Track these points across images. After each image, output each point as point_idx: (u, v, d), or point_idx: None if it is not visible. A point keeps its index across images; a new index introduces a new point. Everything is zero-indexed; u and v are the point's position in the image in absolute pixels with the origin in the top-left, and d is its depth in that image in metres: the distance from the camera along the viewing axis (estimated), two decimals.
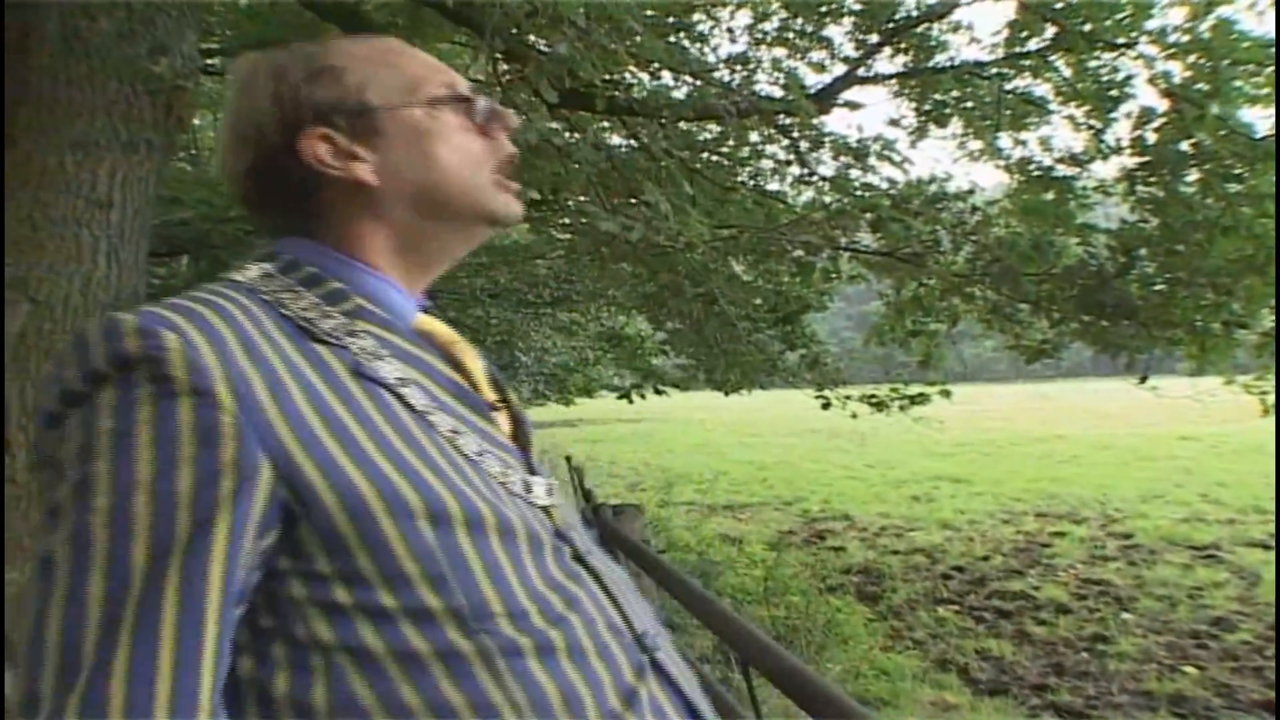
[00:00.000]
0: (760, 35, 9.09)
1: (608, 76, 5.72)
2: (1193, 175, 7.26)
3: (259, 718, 0.94)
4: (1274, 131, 6.65)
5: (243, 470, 0.89)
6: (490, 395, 1.19)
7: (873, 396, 9.74)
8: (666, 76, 7.91)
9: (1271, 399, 7.89)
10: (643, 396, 13.15)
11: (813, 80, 8.87)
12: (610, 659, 1.02)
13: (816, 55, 8.99)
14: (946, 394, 9.30)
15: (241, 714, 0.94)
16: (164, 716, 0.83)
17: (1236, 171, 6.91)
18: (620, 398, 13.44)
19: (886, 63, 9.14)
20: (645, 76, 7.57)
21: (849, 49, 8.94)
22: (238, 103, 1.17)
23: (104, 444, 0.88)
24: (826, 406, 9.68)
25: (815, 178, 9.12)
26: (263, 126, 1.14)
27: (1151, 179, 7.46)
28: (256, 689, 0.94)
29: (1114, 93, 8.03)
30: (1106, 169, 8.72)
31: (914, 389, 9.59)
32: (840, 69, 8.92)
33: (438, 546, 0.94)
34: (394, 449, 0.97)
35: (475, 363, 1.20)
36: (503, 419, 1.18)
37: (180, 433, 0.88)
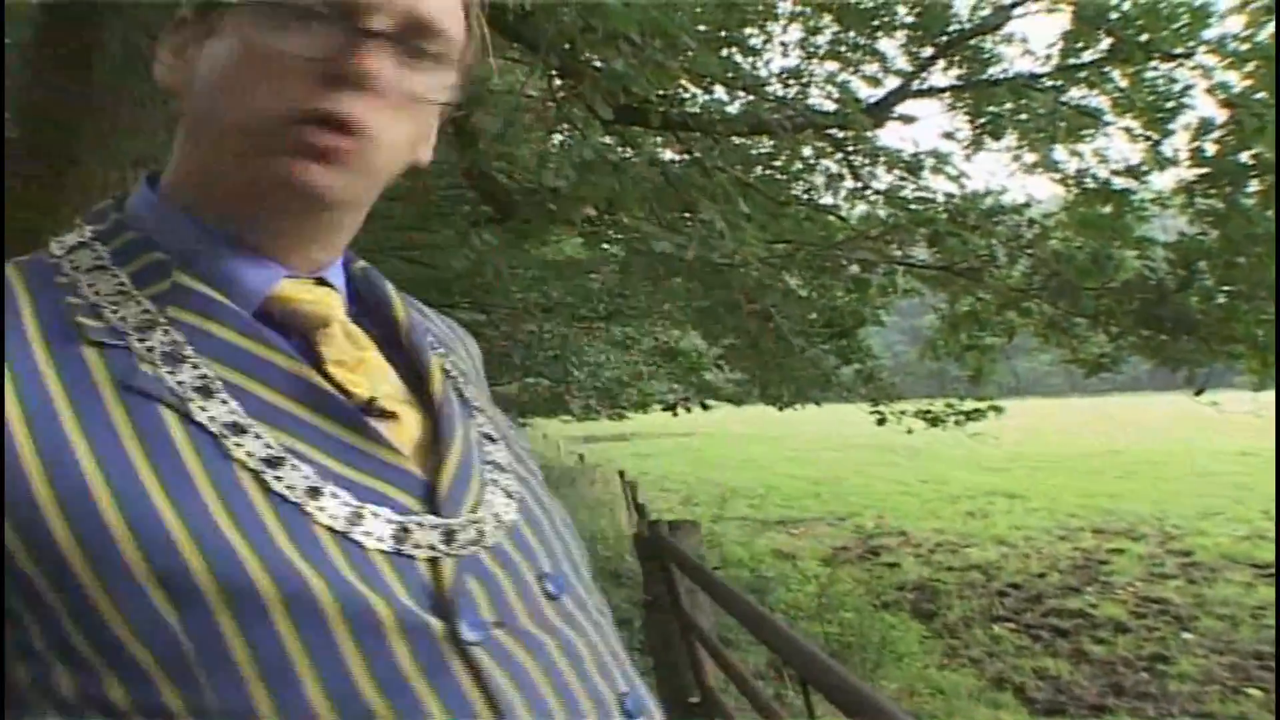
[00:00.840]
0: (813, 49, 9.08)
1: (662, 92, 5.73)
2: (1253, 186, 7.16)
3: None
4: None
5: None
6: (383, 391, 0.87)
7: (928, 412, 9.68)
8: (720, 91, 7.93)
9: None
10: (688, 410, 13.14)
11: (866, 94, 8.84)
12: None
13: (870, 69, 8.97)
14: (998, 409, 9.23)
15: None
16: None
17: None
18: (666, 410, 13.44)
19: (940, 75, 9.12)
20: (699, 91, 7.58)
21: (902, 62, 8.91)
22: None
23: None
24: (882, 422, 9.63)
25: (869, 192, 9.09)
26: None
27: (1211, 191, 7.36)
28: None
29: (1171, 104, 7.94)
30: (1164, 181, 8.63)
31: (969, 404, 9.51)
32: (894, 82, 8.89)
33: (182, 628, 0.68)
34: (131, 486, 0.70)
35: (352, 351, 0.88)
36: (400, 428, 0.85)
37: None
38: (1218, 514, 14.77)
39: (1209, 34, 7.27)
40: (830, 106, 8.37)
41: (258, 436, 0.75)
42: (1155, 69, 7.94)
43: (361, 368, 0.86)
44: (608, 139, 6.68)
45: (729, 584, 4.67)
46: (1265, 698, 6.71)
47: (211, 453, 0.73)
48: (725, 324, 9.45)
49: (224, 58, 0.81)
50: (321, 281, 0.88)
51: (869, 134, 7.78)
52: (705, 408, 13.25)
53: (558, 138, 7.10)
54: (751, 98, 7.56)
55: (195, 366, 0.77)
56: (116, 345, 0.76)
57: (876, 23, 8.61)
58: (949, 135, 9.52)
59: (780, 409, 11.82)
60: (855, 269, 7.87)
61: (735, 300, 7.87)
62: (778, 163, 9.17)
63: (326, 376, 0.82)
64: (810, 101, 8.77)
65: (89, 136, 3.12)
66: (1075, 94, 8.82)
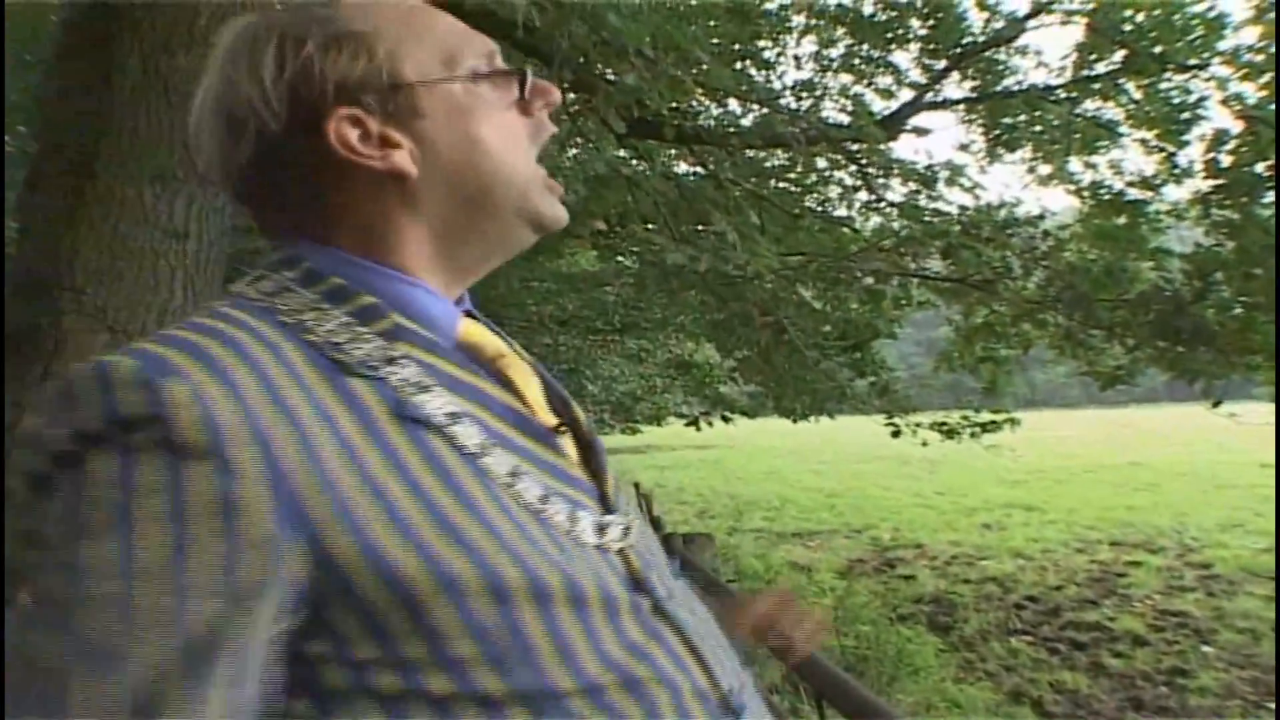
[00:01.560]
0: (826, 62, 9.11)
1: (675, 105, 5.75)
2: (1268, 197, 7.14)
3: None
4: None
5: (267, 550, 0.74)
6: (549, 417, 1.01)
7: (943, 424, 9.65)
8: (733, 105, 7.95)
9: None
10: (710, 424, 13.14)
11: (880, 106, 8.85)
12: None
13: (883, 81, 8.99)
14: (1014, 423, 9.20)
15: None
16: None
17: None
18: (688, 424, 13.43)
19: (954, 88, 9.13)
20: (712, 105, 7.60)
21: (916, 74, 8.93)
22: (227, 77, 0.94)
23: (100, 521, 0.72)
24: (896, 434, 9.60)
25: (883, 204, 9.10)
26: (266, 107, 0.91)
27: (1226, 202, 7.34)
28: None
29: (1186, 115, 7.93)
30: (1179, 192, 8.62)
31: (985, 416, 9.49)
32: (908, 95, 8.91)
33: (497, 625, 0.80)
34: (443, 513, 0.81)
35: (528, 378, 1.02)
36: (568, 444, 1.00)
37: (191, 508, 0.72)
38: (1237, 526, 14.67)
39: (1223, 45, 7.27)
40: (844, 119, 8.38)
41: (497, 457, 0.88)
42: (1169, 80, 7.93)
43: (534, 390, 1.02)
44: (622, 152, 6.70)
45: (744, 597, 4.67)
46: None
47: (477, 473, 0.85)
48: (739, 336, 9.46)
49: (491, 133, 0.97)
50: (469, 314, 1.03)
51: (883, 146, 7.78)
52: (726, 420, 13.24)
53: (572, 151, 7.13)
54: (765, 111, 7.57)
55: (439, 396, 0.87)
56: (375, 378, 0.85)
57: (890, 35, 8.63)
58: (963, 147, 9.53)
59: (795, 421, 11.79)
60: (869, 281, 7.87)
61: (749, 313, 7.88)
62: (792, 175, 9.18)
63: (519, 397, 0.97)
64: (824, 114, 8.78)
65: (107, 154, 3.15)
66: (1090, 106, 8.82)
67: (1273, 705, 6.79)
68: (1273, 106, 6.79)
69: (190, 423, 0.73)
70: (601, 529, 0.93)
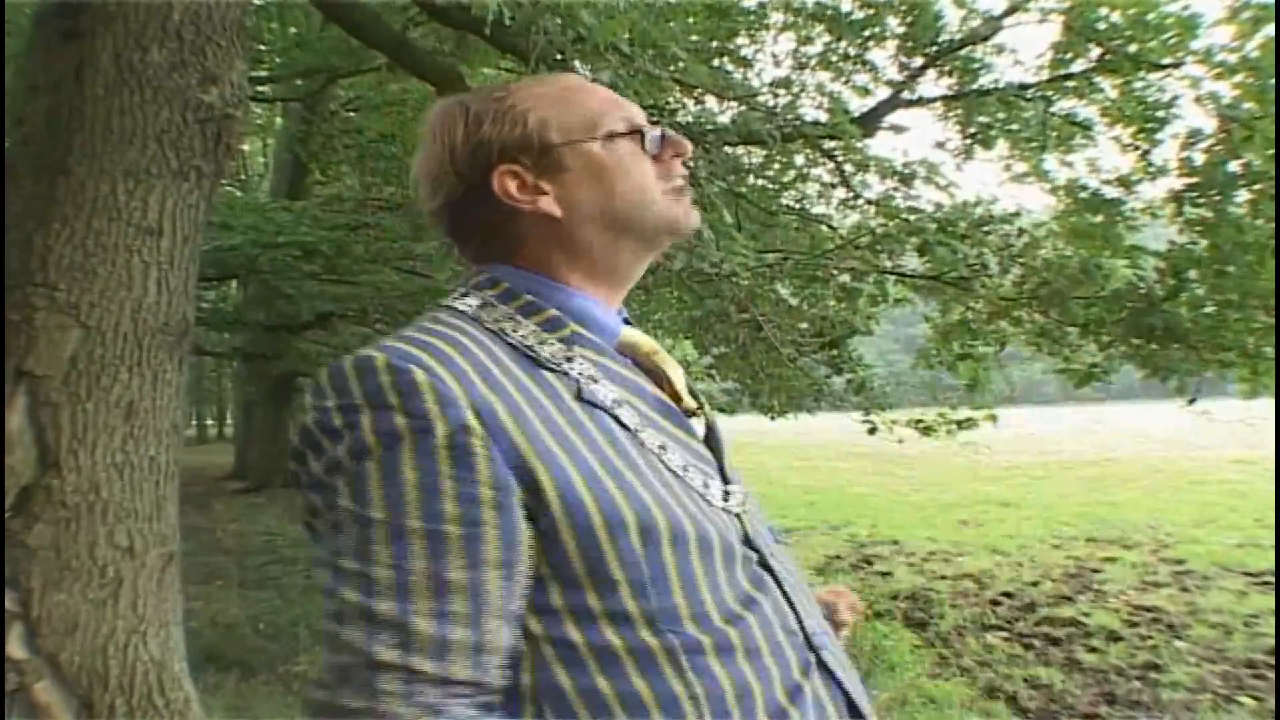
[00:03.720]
0: (804, 59, 9.12)
1: (652, 102, 5.75)
2: (1242, 196, 7.19)
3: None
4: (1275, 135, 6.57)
5: (498, 487, 1.00)
6: (689, 403, 1.28)
7: (920, 421, 9.66)
8: (711, 102, 7.95)
9: None
10: None
11: (857, 104, 8.88)
12: (781, 657, 1.10)
13: (860, 79, 9.02)
14: (992, 419, 9.23)
15: None
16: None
17: None
18: None
19: (931, 85, 9.17)
20: (689, 102, 7.60)
21: (893, 72, 8.95)
22: (430, 144, 1.26)
23: (372, 472, 1.00)
24: (873, 431, 9.62)
25: (860, 201, 9.12)
26: (456, 167, 1.23)
27: (1200, 200, 7.39)
28: None
29: (1160, 114, 7.98)
30: (1154, 190, 8.66)
31: (961, 413, 9.51)
32: (884, 92, 8.94)
33: (644, 558, 1.03)
34: (615, 468, 1.06)
35: (675, 371, 1.28)
36: (698, 425, 1.27)
37: (439, 457, 0.99)
38: (1211, 522, 14.71)
39: (1197, 44, 7.31)
40: (822, 117, 8.39)
41: (649, 435, 1.14)
42: (1144, 79, 7.97)
43: (679, 380, 1.27)
44: None
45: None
46: (1258, 706, 6.70)
47: (637, 444, 1.11)
48: (716, 333, 9.47)
49: (624, 161, 1.23)
50: (627, 321, 1.30)
51: (860, 144, 7.79)
52: None
53: None
54: (742, 108, 7.57)
55: (605, 387, 1.14)
56: (561, 371, 1.12)
57: (868, 33, 8.65)
58: (940, 145, 9.56)
59: (772, 418, 11.79)
60: (846, 278, 7.89)
61: (726, 310, 7.89)
62: (769, 173, 9.19)
63: (669, 389, 1.24)
64: (801, 111, 8.79)
65: (80, 149, 3.13)
66: (1065, 104, 8.86)
67: (1243, 699, 6.83)
68: (1246, 105, 6.84)
69: (429, 398, 1.00)
70: (726, 495, 1.18)
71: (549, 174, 1.22)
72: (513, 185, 1.21)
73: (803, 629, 1.16)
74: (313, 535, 1.09)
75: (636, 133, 1.26)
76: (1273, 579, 10.51)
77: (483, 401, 1.02)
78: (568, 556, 1.02)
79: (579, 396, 1.11)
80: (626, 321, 1.30)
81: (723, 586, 1.09)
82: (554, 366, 1.12)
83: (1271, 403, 8.08)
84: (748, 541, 1.18)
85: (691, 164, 6.87)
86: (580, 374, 1.13)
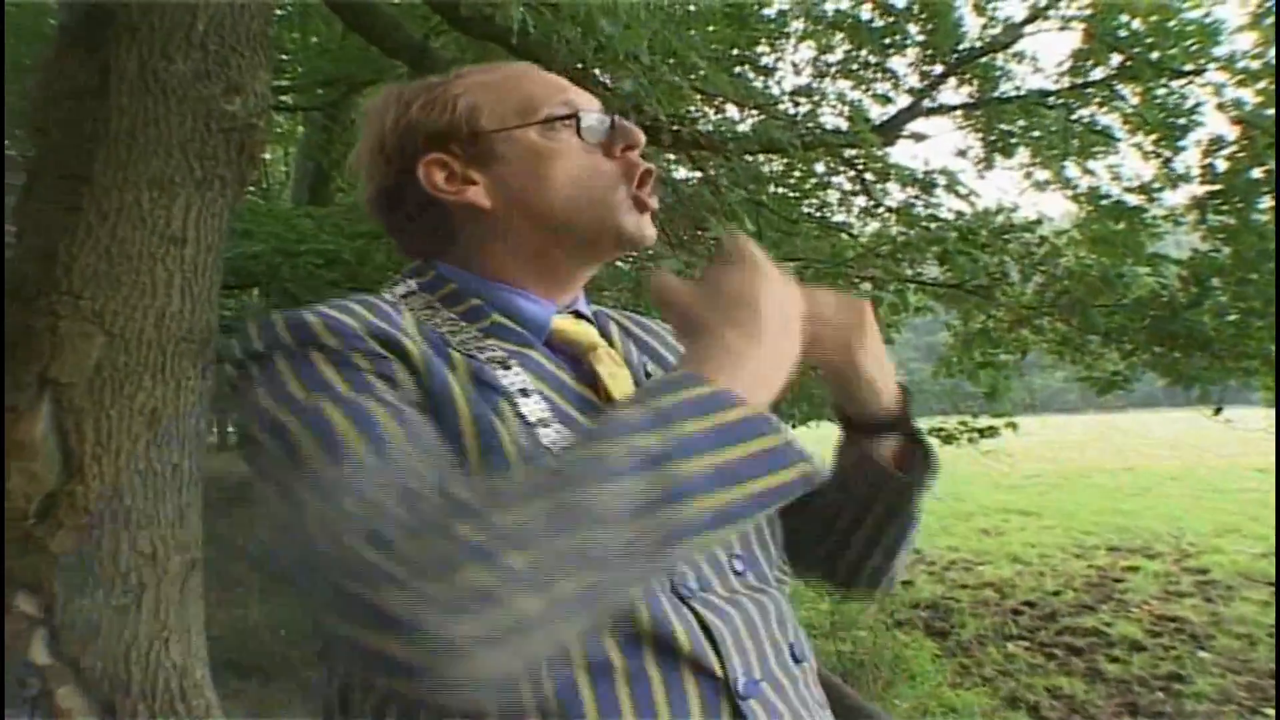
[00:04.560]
0: (824, 67, 9.12)
1: (673, 111, 5.76)
2: (1265, 202, 7.15)
3: None
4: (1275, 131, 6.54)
5: (400, 376, 0.97)
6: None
7: (940, 429, 9.63)
8: (731, 110, 7.95)
9: None
10: None
11: (877, 112, 8.87)
12: (679, 701, 0.94)
13: (881, 87, 9.01)
14: (1013, 427, 9.19)
15: None
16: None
17: None
18: None
19: (951, 93, 9.16)
20: (710, 110, 7.61)
21: (913, 80, 8.94)
22: (365, 132, 1.22)
23: (287, 383, 0.95)
24: None
25: (881, 209, 9.10)
26: (385, 155, 1.18)
27: (1223, 207, 7.35)
28: None
29: (1182, 121, 7.95)
30: (1176, 197, 8.62)
31: (983, 422, 9.47)
32: (905, 100, 8.92)
33: None
34: (493, 435, 0.98)
35: (616, 369, 1.17)
36: None
37: (337, 362, 0.96)
38: (1233, 531, 14.62)
39: (1219, 51, 7.29)
40: (842, 125, 8.39)
41: (555, 430, 1.03)
42: (1166, 86, 7.94)
43: (621, 383, 1.14)
44: None
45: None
46: None
47: (528, 435, 1.00)
48: None
49: (560, 153, 1.14)
50: (577, 315, 1.20)
51: (880, 152, 7.78)
52: None
53: None
54: (763, 116, 7.57)
55: (517, 374, 1.07)
56: (470, 354, 1.06)
57: (888, 41, 8.65)
58: (961, 153, 9.54)
59: (794, 426, 11.78)
60: (866, 287, 7.87)
61: None
62: (789, 181, 9.19)
63: (602, 388, 1.12)
64: (822, 120, 8.79)
65: (105, 158, 3.15)
66: (1086, 111, 8.84)
67: (1269, 710, 6.78)
68: (1268, 112, 6.80)
69: (324, 331, 0.97)
70: None
71: (479, 163, 1.15)
72: (440, 175, 1.15)
73: (724, 671, 0.98)
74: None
75: (572, 117, 1.16)
76: None
77: (384, 330, 1.00)
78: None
79: (477, 378, 1.03)
80: (579, 315, 1.21)
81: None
82: (460, 350, 1.06)
83: None
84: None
85: (711, 171, 6.87)
86: (489, 359, 1.07)
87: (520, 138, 1.15)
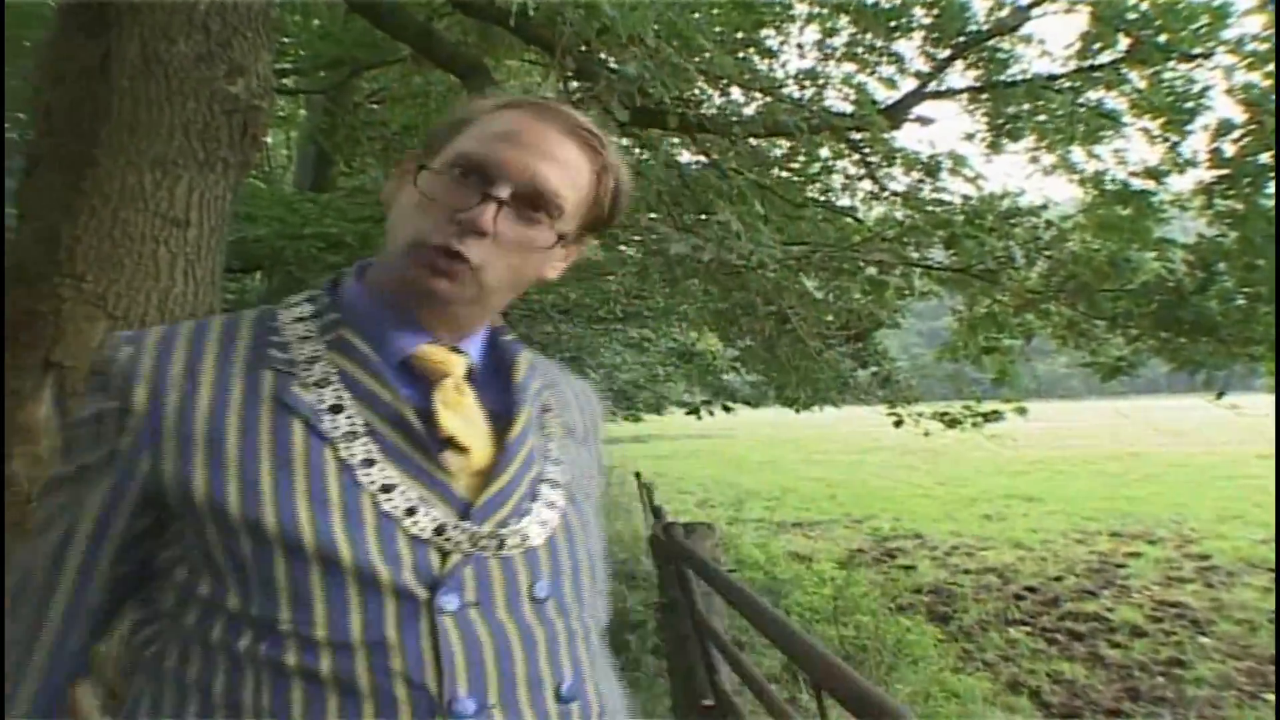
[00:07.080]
0: (830, 50, 9.06)
1: (678, 94, 5.73)
2: (1272, 187, 7.11)
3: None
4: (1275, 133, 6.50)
5: (126, 455, 1.08)
6: (470, 430, 1.18)
7: (945, 414, 9.62)
8: (736, 93, 7.91)
9: None
10: (710, 414, 13.11)
11: (883, 95, 8.82)
12: (388, 707, 1.00)
13: (887, 70, 8.95)
14: (1022, 411, 9.16)
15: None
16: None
17: None
18: (690, 413, 13.41)
19: (958, 77, 9.09)
20: (715, 93, 7.57)
21: (919, 63, 8.89)
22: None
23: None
24: (899, 424, 9.58)
25: (887, 193, 9.07)
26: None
27: (1230, 192, 7.31)
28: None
29: (1190, 104, 7.90)
30: (1183, 182, 8.58)
31: (987, 406, 9.45)
32: (911, 84, 8.87)
33: (252, 560, 1.02)
34: (253, 466, 1.05)
35: (460, 402, 1.19)
36: (476, 457, 1.16)
37: (93, 416, 1.11)
38: (1236, 517, 14.66)
39: (1228, 34, 7.24)
40: (847, 108, 8.35)
41: (365, 444, 1.09)
42: (1174, 70, 7.89)
43: (460, 411, 1.18)
44: (624, 141, 6.68)
45: (744, 587, 4.66)
46: None
47: (320, 452, 1.08)
48: (742, 326, 9.45)
49: (404, 198, 1.20)
50: (456, 349, 1.22)
51: (886, 135, 7.75)
52: (728, 410, 13.22)
53: None
54: (768, 99, 7.54)
55: (336, 392, 1.12)
56: (288, 372, 1.12)
57: (893, 24, 8.59)
58: (967, 137, 9.49)
59: (798, 411, 11.79)
60: (872, 271, 7.85)
61: (752, 302, 7.87)
62: (795, 164, 9.15)
63: (432, 414, 1.15)
64: (827, 103, 8.74)
65: (107, 140, 3.14)
66: (1093, 95, 8.78)
67: (1269, 696, 6.79)
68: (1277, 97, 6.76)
69: (118, 372, 1.10)
70: (440, 529, 1.08)
71: (405, 181, 1.24)
72: (390, 185, 1.28)
73: (440, 694, 1.01)
74: None
75: (420, 168, 1.20)
76: None
77: (161, 390, 1.09)
78: (196, 541, 1.05)
79: (276, 397, 1.10)
80: (458, 350, 1.23)
81: (351, 613, 1.01)
82: (280, 369, 1.13)
83: None
84: (434, 583, 1.05)
85: (716, 154, 6.85)
86: (310, 375, 1.13)
87: (419, 176, 1.20)
